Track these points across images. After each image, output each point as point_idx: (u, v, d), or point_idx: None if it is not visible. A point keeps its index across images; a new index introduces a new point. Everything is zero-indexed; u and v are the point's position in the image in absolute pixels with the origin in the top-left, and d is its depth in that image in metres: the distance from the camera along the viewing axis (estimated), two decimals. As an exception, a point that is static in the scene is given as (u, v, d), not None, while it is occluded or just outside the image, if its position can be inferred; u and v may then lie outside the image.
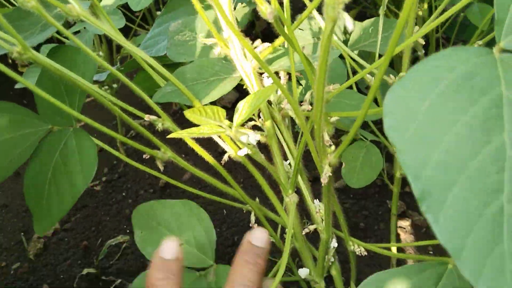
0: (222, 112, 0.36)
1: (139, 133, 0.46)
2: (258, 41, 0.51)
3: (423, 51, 0.91)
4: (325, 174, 0.40)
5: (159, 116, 0.46)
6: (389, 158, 0.96)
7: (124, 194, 0.99)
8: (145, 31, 1.31)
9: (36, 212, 0.44)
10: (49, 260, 0.86)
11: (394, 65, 0.98)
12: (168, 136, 0.37)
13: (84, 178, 0.42)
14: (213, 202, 0.95)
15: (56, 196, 0.43)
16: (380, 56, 0.67)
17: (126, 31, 1.16)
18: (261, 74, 0.51)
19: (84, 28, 0.94)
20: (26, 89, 1.00)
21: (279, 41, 0.47)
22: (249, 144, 0.44)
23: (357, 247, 0.52)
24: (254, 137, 0.44)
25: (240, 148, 0.47)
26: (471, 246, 0.19)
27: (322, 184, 0.43)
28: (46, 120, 0.47)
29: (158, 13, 1.31)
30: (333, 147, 0.40)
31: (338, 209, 0.51)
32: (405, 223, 0.88)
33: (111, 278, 0.78)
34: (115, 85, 1.09)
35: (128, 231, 0.89)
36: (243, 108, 0.38)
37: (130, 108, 0.46)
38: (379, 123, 0.87)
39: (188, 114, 0.35)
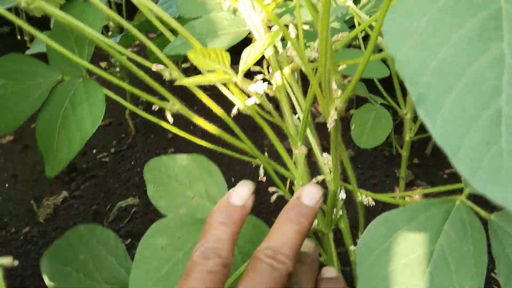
0: (227, 56, 0.36)
1: (147, 108, 0.47)
2: None
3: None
4: (331, 118, 0.40)
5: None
6: (398, 126, 0.97)
7: (133, 163, 1.00)
8: None
9: (47, 156, 0.46)
10: (59, 224, 0.87)
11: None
12: (176, 83, 0.37)
13: (92, 122, 0.44)
14: (222, 171, 0.95)
15: (66, 139, 0.45)
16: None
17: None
18: (270, 27, 0.51)
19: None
20: (37, 54, 1.00)
21: None
22: (256, 93, 0.44)
23: (365, 197, 0.52)
24: (261, 86, 0.44)
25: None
26: (468, 145, 0.19)
27: (329, 130, 0.43)
28: (56, 71, 0.48)
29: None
30: (339, 92, 0.40)
31: (346, 159, 0.51)
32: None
33: (121, 240, 0.79)
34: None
35: (137, 197, 0.90)
36: (248, 54, 0.38)
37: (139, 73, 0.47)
38: (389, 88, 0.87)
39: (191, 54, 0.35)
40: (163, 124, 0.56)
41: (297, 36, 0.52)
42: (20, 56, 0.49)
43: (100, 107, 0.45)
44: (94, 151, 1.08)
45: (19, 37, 1.60)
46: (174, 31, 0.54)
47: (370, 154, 0.97)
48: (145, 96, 0.48)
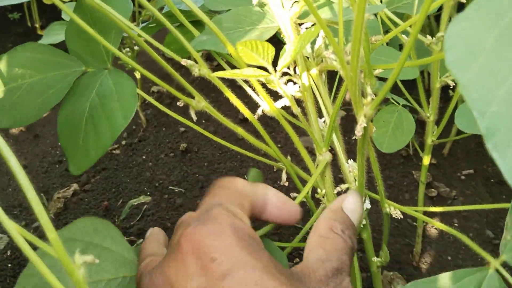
0: (272, 52, 0.35)
1: (159, 98, 0.45)
2: None
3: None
4: (360, 125, 0.38)
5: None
6: (419, 126, 0.95)
7: (144, 157, 0.98)
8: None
9: (72, 152, 0.44)
10: (70, 219, 0.86)
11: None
12: (213, 74, 0.35)
13: (124, 117, 0.41)
14: (233, 168, 0.94)
15: (94, 134, 0.42)
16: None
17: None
18: (300, 25, 0.49)
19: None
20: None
21: None
22: (287, 93, 0.42)
23: (393, 210, 0.50)
24: (293, 87, 0.42)
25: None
26: None
27: (356, 138, 0.41)
28: (79, 62, 0.46)
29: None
30: (369, 97, 0.38)
31: (376, 169, 0.49)
32: (430, 194, 0.86)
33: (132, 239, 0.77)
34: (136, 48, 1.08)
35: (148, 193, 0.88)
36: (288, 51, 0.36)
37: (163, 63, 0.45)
38: (410, 88, 0.85)
39: (240, 45, 0.33)
40: (176, 116, 0.54)
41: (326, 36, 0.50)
42: (39, 45, 0.47)
43: (132, 100, 0.42)
44: (105, 143, 1.06)
45: (29, 24, 1.58)
46: (196, 23, 0.52)
47: (386, 154, 0.95)
48: (172, 91, 0.47)
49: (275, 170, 0.90)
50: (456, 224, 0.82)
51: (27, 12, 1.57)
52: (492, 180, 0.93)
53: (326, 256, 0.35)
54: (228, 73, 0.35)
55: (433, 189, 0.87)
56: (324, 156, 0.49)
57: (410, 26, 0.52)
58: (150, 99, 0.55)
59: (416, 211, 0.54)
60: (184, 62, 0.42)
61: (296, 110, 0.45)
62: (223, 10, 0.53)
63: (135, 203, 0.78)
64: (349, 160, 0.51)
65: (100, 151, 0.42)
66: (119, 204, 0.86)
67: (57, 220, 0.86)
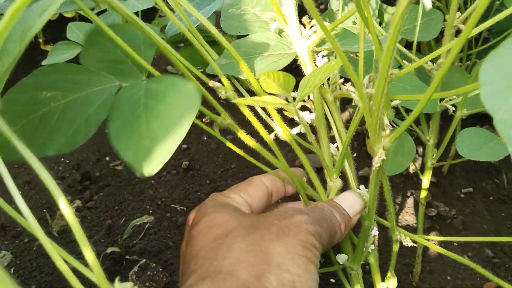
0: (293, 83, 0.36)
1: None
2: (314, 20, 0.49)
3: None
4: (378, 158, 0.39)
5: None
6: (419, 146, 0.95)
7: (146, 174, 0.99)
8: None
9: (136, 159, 0.36)
10: (73, 238, 0.86)
11: (421, 50, 0.96)
12: (235, 101, 0.36)
13: (188, 110, 0.35)
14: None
15: (159, 134, 0.35)
16: (418, 43, 0.66)
17: (150, 13, 1.16)
18: (316, 53, 0.50)
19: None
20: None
21: (339, 21, 0.45)
22: (303, 121, 0.43)
23: (404, 238, 0.51)
24: (309, 116, 0.43)
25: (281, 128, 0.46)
26: None
27: (373, 169, 0.42)
28: (112, 78, 0.43)
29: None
30: (388, 130, 0.39)
31: (389, 197, 0.49)
32: (430, 213, 0.87)
33: (135, 258, 0.78)
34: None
35: (151, 211, 0.89)
36: (307, 83, 0.37)
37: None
38: (410, 111, 0.86)
39: (262, 76, 0.35)
40: (211, 114, 0.54)
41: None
42: (66, 65, 0.43)
43: (193, 94, 0.35)
44: (107, 158, 1.07)
45: (33, 39, 1.59)
46: (209, 42, 0.51)
47: (387, 172, 0.96)
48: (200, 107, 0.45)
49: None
50: (456, 244, 0.83)
51: (30, 26, 1.57)
52: (491, 198, 0.94)
53: (307, 211, 0.42)
54: (250, 100, 0.36)
55: (432, 209, 0.88)
56: (335, 183, 0.50)
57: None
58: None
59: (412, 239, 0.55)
60: (211, 83, 0.42)
61: (311, 137, 0.46)
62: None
63: (138, 223, 0.79)
64: (360, 186, 0.51)
65: (171, 149, 0.34)
66: (121, 223, 0.87)
67: (60, 238, 0.87)
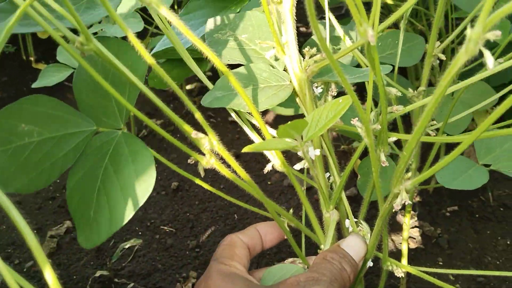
0: (305, 125, 0.36)
1: (151, 132, 0.45)
2: (314, 50, 0.48)
3: (438, 62, 0.91)
4: (401, 200, 0.39)
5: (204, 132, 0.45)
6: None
7: (136, 195, 1.00)
8: (160, 32, 1.31)
9: (81, 224, 0.40)
10: (62, 260, 0.87)
11: (408, 76, 0.98)
12: (243, 151, 0.36)
13: (142, 191, 0.38)
14: (224, 206, 0.96)
15: (107, 208, 0.39)
16: (399, 68, 0.67)
17: (142, 33, 1.17)
18: (313, 83, 0.49)
19: (102, 30, 0.94)
20: (40, 89, 1.00)
21: (343, 52, 0.45)
22: (308, 158, 0.43)
23: (396, 268, 0.51)
24: (313, 152, 0.43)
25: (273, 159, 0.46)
26: None
27: (394, 210, 0.43)
28: (90, 121, 0.42)
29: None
30: (410, 173, 0.39)
31: (385, 231, 0.50)
32: (415, 233, 0.88)
33: (123, 281, 0.79)
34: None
35: (140, 233, 0.90)
36: (312, 123, 0.37)
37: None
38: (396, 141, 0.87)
39: (280, 131, 0.34)
40: (167, 163, 0.54)
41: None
42: (47, 98, 0.41)
43: (151, 174, 0.38)
44: (98, 178, 1.08)
45: (24, 57, 1.61)
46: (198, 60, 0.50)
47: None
48: (181, 146, 0.44)
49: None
50: (441, 263, 0.84)
51: (22, 45, 1.59)
52: (477, 216, 0.95)
53: (317, 275, 0.40)
54: (258, 146, 0.35)
55: (418, 228, 0.89)
56: (331, 215, 0.50)
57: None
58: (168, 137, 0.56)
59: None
60: (194, 134, 0.41)
61: (313, 172, 0.46)
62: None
63: (126, 247, 0.80)
64: (361, 222, 0.51)
65: (113, 227, 0.38)
66: (110, 245, 0.88)
67: (49, 261, 0.87)
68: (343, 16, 1.50)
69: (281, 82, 0.48)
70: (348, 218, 0.51)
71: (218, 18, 0.54)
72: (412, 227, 0.89)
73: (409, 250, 0.85)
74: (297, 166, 0.45)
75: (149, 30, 1.24)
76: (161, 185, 1.02)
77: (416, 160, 0.70)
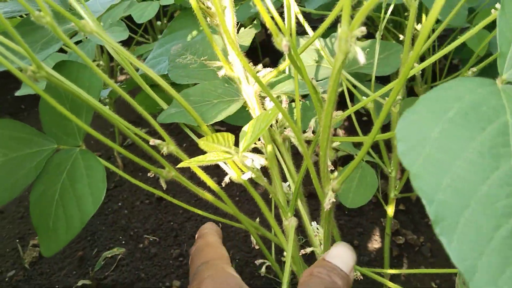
0: (232, 138, 0.37)
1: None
2: (260, 66, 0.52)
3: (420, 72, 0.92)
4: (329, 200, 0.40)
5: (163, 139, 0.47)
6: (384, 177, 0.97)
7: (120, 204, 1.00)
8: (146, 41, 1.32)
9: (42, 234, 0.44)
10: (44, 269, 0.86)
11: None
12: (179, 166, 0.37)
13: (93, 203, 0.42)
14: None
15: (64, 219, 0.43)
16: (376, 78, 0.68)
17: (127, 41, 1.18)
18: (263, 97, 0.52)
19: (86, 37, 0.94)
20: (24, 96, 0.99)
21: (282, 66, 0.48)
22: (253, 168, 0.44)
23: (355, 272, 0.52)
24: (258, 161, 0.44)
25: (242, 171, 0.48)
26: (483, 268, 0.19)
27: (325, 210, 0.44)
28: (51, 140, 0.47)
29: (158, 23, 1.32)
30: (336, 173, 0.41)
31: (336, 232, 0.51)
32: (398, 241, 0.89)
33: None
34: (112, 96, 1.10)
35: (123, 242, 0.89)
36: (247, 134, 0.38)
37: (132, 127, 0.47)
38: (374, 144, 0.88)
39: (202, 143, 0.36)
40: (149, 188, 0.56)
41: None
42: (13, 122, 0.47)
43: (101, 186, 0.43)
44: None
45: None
46: (158, 87, 0.54)
47: (357, 200, 0.98)
48: (141, 162, 0.48)
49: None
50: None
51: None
52: (459, 224, 0.96)
53: None
54: (194, 161, 0.37)
55: (400, 237, 0.90)
56: (290, 222, 0.51)
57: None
58: (124, 152, 0.57)
59: (378, 273, 0.57)
60: (152, 142, 0.44)
61: (263, 182, 0.47)
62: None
63: (109, 256, 0.79)
64: (312, 223, 0.53)
65: (69, 235, 0.42)
66: (93, 254, 0.87)
67: (32, 270, 0.87)
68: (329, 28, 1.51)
69: (235, 97, 0.51)
70: (311, 223, 0.52)
71: (180, 44, 0.58)
72: (395, 235, 0.90)
73: (393, 257, 0.86)
74: (244, 176, 0.46)
75: (135, 38, 1.25)
76: (145, 194, 1.01)
77: (396, 169, 0.71)
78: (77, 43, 0.96)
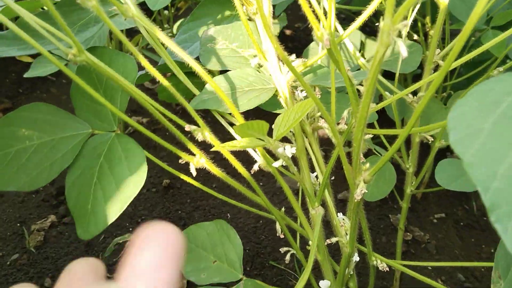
0: (266, 126, 0.37)
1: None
2: (294, 56, 0.52)
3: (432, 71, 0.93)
4: (360, 191, 0.40)
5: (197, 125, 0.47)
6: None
7: (126, 191, 0.99)
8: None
9: (80, 217, 0.43)
10: (50, 254, 0.85)
11: (400, 83, 1.00)
12: (213, 149, 0.37)
13: (135, 186, 0.42)
14: (216, 205, 0.95)
15: (103, 201, 0.42)
16: (383, 75, 0.69)
17: (133, 29, 1.16)
18: (294, 87, 0.52)
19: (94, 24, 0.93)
20: (22, 81, 0.98)
21: (315, 58, 0.48)
22: (284, 156, 0.44)
23: (380, 263, 0.53)
24: (290, 150, 0.44)
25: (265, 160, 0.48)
26: None
27: (355, 200, 0.44)
28: (86, 124, 0.47)
29: (166, 12, 1.31)
30: (367, 164, 0.41)
31: (365, 224, 0.51)
32: (406, 238, 0.90)
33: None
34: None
35: (130, 229, 0.89)
36: (281, 123, 0.38)
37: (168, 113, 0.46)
38: (391, 137, 0.88)
39: (237, 129, 0.36)
40: (161, 165, 0.55)
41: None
42: (45, 105, 0.47)
43: (142, 169, 0.43)
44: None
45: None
46: (191, 74, 0.53)
47: (363, 196, 0.99)
48: (170, 147, 0.47)
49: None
50: (430, 268, 0.86)
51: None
52: (462, 224, 0.97)
53: None
54: (227, 145, 0.37)
55: (408, 233, 0.90)
56: (317, 211, 0.52)
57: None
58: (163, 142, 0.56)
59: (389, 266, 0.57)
60: (187, 127, 0.44)
61: (293, 169, 0.47)
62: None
63: (120, 241, 0.78)
64: (338, 214, 0.53)
65: (110, 218, 0.42)
66: (100, 240, 0.86)
67: (37, 254, 0.85)
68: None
69: (266, 85, 0.51)
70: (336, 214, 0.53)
71: (212, 29, 0.58)
72: (403, 233, 0.91)
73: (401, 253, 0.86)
74: (276, 164, 0.46)
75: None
76: (151, 182, 1.01)
77: (413, 165, 0.71)
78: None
